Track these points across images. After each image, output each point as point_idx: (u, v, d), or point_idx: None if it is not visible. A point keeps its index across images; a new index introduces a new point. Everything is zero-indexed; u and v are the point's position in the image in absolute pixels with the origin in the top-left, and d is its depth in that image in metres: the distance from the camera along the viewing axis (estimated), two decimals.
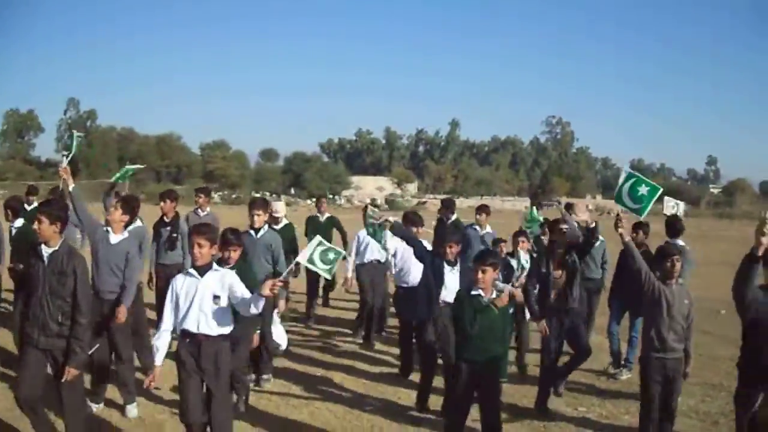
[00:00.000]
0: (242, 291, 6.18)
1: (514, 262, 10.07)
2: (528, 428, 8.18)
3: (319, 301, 14.31)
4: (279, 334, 10.56)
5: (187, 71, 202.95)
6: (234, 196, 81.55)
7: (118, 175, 10.99)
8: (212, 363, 6.20)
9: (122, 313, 7.75)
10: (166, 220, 10.80)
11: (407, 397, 8.81)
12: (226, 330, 6.32)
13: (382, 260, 11.57)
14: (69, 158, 8.38)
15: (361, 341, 11.77)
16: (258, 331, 8.09)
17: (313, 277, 13.20)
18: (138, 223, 9.65)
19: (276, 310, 9.95)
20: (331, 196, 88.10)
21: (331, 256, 6.54)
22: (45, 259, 6.24)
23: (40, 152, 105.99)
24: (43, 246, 6.27)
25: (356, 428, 7.99)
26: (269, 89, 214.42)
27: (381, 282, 12.00)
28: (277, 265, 9.35)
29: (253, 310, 6.08)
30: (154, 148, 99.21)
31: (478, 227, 12.31)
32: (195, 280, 6.24)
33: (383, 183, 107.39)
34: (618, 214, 7.43)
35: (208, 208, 11.52)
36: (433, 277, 8.42)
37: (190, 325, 6.21)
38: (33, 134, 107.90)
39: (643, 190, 7.53)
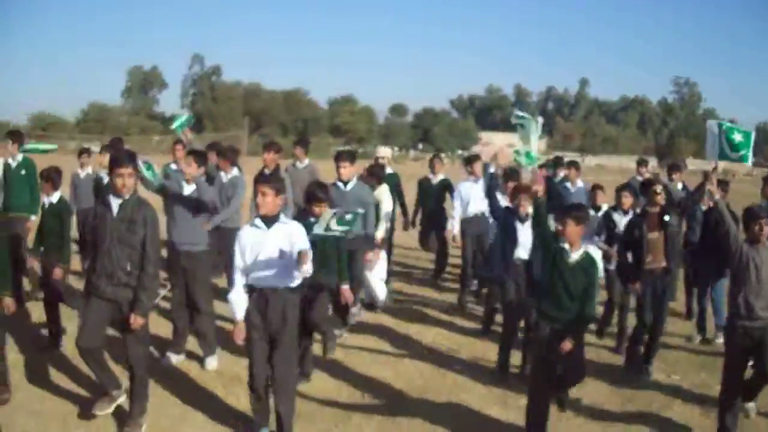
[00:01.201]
0: (302, 247, 5.95)
1: (616, 217, 9.45)
2: (618, 396, 7.74)
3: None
4: (379, 289, 10.47)
5: (314, 25, 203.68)
6: (361, 150, 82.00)
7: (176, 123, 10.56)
8: (279, 315, 6.04)
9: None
10: (267, 171, 10.70)
11: (495, 355, 8.44)
12: (294, 283, 6.12)
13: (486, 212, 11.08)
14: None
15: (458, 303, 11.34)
16: (345, 285, 7.75)
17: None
18: (234, 171, 9.64)
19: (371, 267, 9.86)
20: (460, 152, 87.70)
21: (349, 216, 6.33)
22: (114, 209, 6.17)
23: (164, 107, 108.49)
24: (111, 196, 6.20)
25: (439, 387, 7.76)
26: (400, 44, 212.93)
27: (486, 233, 11.58)
28: (367, 220, 9.13)
29: (294, 273, 5.97)
30: (281, 103, 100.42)
31: (569, 183, 11.99)
32: (261, 233, 6.06)
33: (511, 139, 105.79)
34: (707, 172, 7.06)
35: (306, 160, 11.28)
36: (505, 234, 8.05)
37: (257, 279, 6.06)
38: (157, 90, 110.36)
39: (737, 137, 7.11)
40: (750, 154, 7.13)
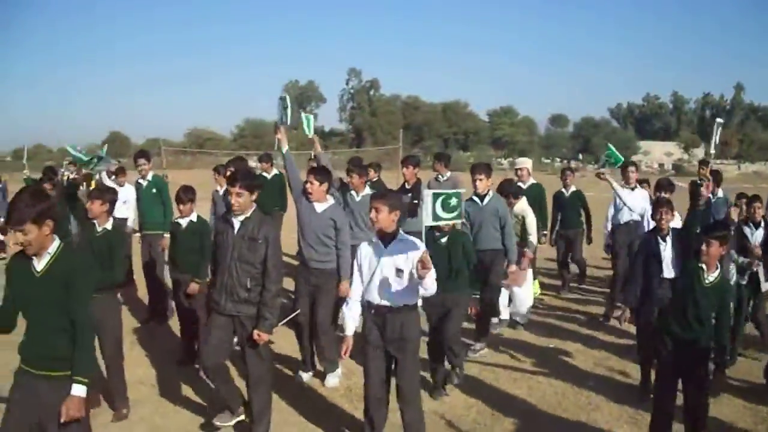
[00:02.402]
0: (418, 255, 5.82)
1: (747, 230, 8.99)
2: (751, 413, 7.39)
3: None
4: (524, 306, 10.36)
5: (469, 37, 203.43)
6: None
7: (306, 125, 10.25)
8: (397, 333, 5.97)
9: (344, 287, 7.73)
10: (408, 186, 10.80)
11: (636, 373, 8.19)
12: (412, 301, 6.03)
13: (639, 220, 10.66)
14: (284, 124, 8.40)
15: (604, 316, 11.09)
16: (476, 297, 7.79)
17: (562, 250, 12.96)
18: (367, 190, 9.67)
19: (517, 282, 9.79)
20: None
21: (453, 201, 6.29)
22: (235, 226, 6.35)
23: (322, 122, 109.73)
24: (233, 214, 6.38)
25: (571, 405, 7.59)
26: (558, 54, 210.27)
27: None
28: (505, 232, 9.02)
29: (422, 291, 5.84)
30: (440, 116, 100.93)
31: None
32: (379, 249, 6.02)
33: (671, 148, 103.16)
34: None
35: (448, 173, 11.19)
36: (647, 257, 7.69)
37: (373, 297, 6.02)
38: (315, 104, 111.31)
39: None
40: None
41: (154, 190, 11.31)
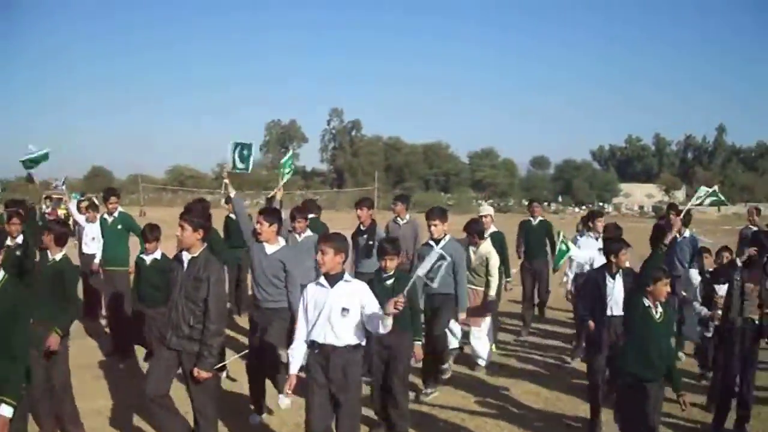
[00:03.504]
0: (372, 307, 6.07)
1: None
2: None
3: (536, 310, 14.06)
4: (482, 348, 10.48)
5: (452, 80, 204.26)
6: (503, 203, 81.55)
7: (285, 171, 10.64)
8: (341, 373, 6.11)
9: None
10: (363, 228, 10.97)
11: (585, 412, 8.35)
12: (355, 341, 6.19)
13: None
14: (235, 169, 8.60)
15: (571, 362, 11.15)
16: (419, 343, 7.87)
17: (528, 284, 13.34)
18: (308, 232, 9.92)
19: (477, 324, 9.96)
20: (601, 204, 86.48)
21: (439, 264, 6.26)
22: (185, 264, 6.53)
23: (304, 162, 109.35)
24: (184, 252, 6.57)
25: None
26: (539, 96, 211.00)
27: None
28: (457, 279, 9.19)
29: (381, 330, 5.98)
30: (421, 157, 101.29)
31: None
32: (325, 291, 6.17)
33: (651, 190, 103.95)
34: None
35: (407, 216, 11.46)
36: (591, 291, 8.00)
37: (318, 336, 6.16)
38: (296, 144, 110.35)
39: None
40: None
41: (119, 227, 11.50)
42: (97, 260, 12.22)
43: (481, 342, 10.53)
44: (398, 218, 11.46)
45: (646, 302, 6.39)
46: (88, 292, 12.94)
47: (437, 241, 9.09)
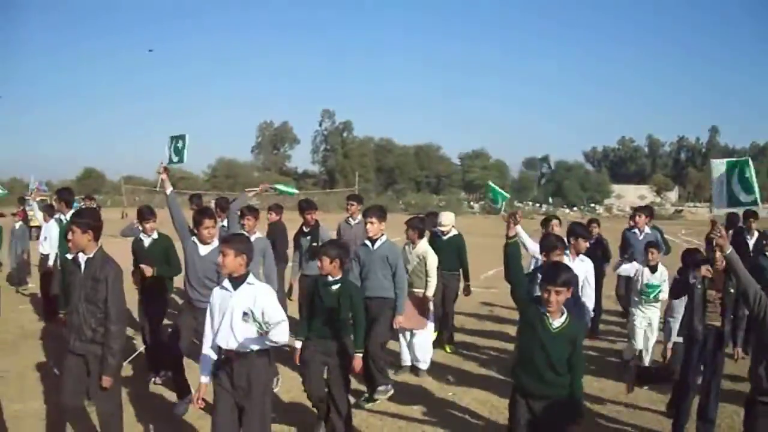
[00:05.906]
0: (270, 314, 5.67)
1: None
2: None
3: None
4: (422, 352, 10.13)
5: (444, 80, 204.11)
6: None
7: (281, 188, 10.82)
8: (245, 380, 5.83)
9: None
10: (306, 229, 10.78)
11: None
12: (258, 346, 5.84)
13: None
14: (170, 163, 8.43)
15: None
16: (359, 354, 7.44)
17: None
18: (257, 234, 9.65)
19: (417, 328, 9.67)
20: (592, 205, 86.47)
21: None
22: (82, 266, 6.29)
23: (296, 163, 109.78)
24: (80, 254, 6.32)
25: None
26: (532, 98, 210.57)
27: None
28: (395, 281, 8.87)
29: (272, 339, 5.68)
30: (412, 159, 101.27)
31: (637, 230, 12.18)
32: (228, 294, 5.90)
33: (644, 191, 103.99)
34: (713, 222, 5.89)
35: (359, 217, 11.07)
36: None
37: (222, 341, 5.89)
38: (288, 146, 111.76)
39: (749, 173, 6.28)
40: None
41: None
42: (50, 262, 12.14)
43: (423, 347, 10.16)
44: (350, 218, 11.18)
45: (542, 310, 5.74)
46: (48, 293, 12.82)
47: (373, 241, 8.88)
